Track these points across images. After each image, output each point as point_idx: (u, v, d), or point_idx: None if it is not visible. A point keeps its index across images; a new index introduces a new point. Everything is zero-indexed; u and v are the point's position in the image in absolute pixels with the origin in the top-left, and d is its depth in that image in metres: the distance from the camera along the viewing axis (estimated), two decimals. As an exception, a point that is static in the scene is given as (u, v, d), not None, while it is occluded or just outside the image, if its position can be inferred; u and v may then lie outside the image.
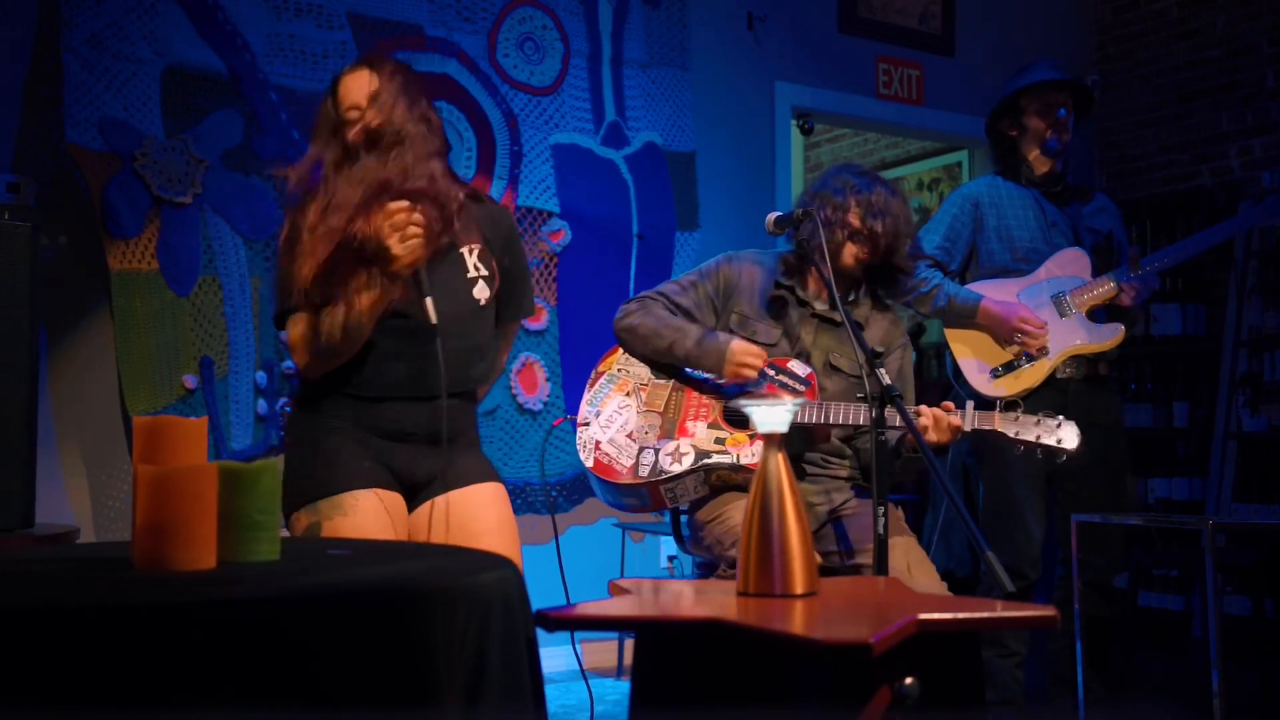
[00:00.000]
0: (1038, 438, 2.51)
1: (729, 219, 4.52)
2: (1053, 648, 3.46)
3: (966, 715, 1.54)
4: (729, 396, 2.68)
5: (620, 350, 2.79)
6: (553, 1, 4.22)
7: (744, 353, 2.61)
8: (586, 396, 2.73)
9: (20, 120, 3.36)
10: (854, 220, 2.65)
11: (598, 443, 2.64)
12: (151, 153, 3.47)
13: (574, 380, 4.18)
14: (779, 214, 2.66)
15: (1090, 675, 3.24)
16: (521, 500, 4.08)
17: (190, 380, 3.50)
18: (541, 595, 1.69)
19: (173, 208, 3.50)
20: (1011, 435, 2.53)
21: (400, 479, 2.20)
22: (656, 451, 2.60)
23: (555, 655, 4.09)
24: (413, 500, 2.23)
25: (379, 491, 2.14)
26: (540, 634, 1.46)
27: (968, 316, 3.31)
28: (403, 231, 2.03)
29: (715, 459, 2.57)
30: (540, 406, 4.12)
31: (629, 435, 2.65)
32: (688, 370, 2.73)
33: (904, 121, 5.11)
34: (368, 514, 2.09)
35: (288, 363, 3.62)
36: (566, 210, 4.19)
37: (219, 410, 3.54)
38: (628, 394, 2.71)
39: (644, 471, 2.58)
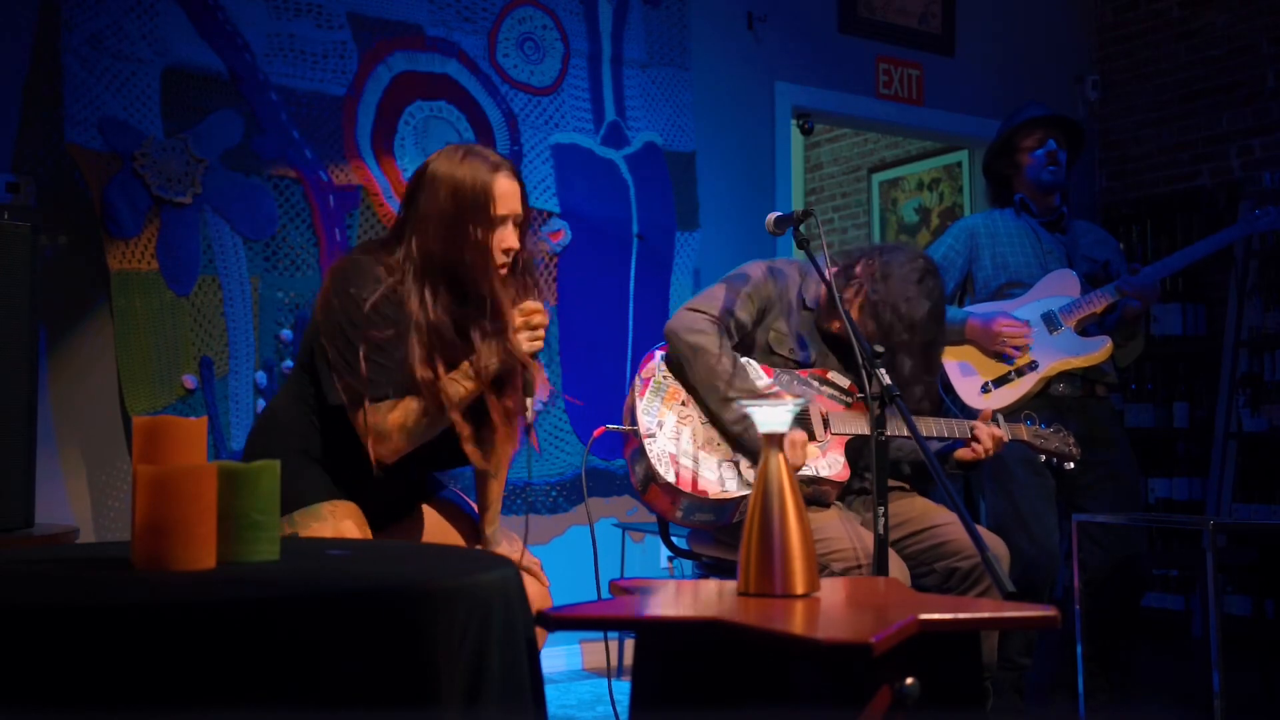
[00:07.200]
0: (1055, 446, 2.83)
1: (729, 219, 4.51)
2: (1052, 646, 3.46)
3: (966, 715, 1.54)
4: None
5: (657, 356, 2.63)
6: (553, 1, 4.21)
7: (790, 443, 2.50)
8: (641, 406, 2.52)
9: (20, 120, 3.36)
10: (895, 322, 2.57)
11: (672, 455, 2.47)
12: (151, 153, 3.46)
13: (573, 381, 4.18)
14: (779, 214, 2.66)
15: (1090, 675, 3.24)
16: (521, 500, 4.08)
17: (190, 380, 3.50)
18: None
19: (172, 208, 3.49)
20: (1037, 445, 2.84)
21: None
22: (736, 465, 2.50)
23: (555, 655, 4.09)
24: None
25: (348, 504, 2.16)
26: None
27: (956, 334, 3.34)
28: (534, 331, 2.13)
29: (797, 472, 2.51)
30: (540, 406, 4.11)
31: (701, 448, 2.50)
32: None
33: (904, 121, 5.10)
34: (346, 519, 2.11)
35: (287, 363, 3.62)
36: (566, 210, 4.19)
37: (219, 410, 3.54)
38: (683, 403, 2.55)
39: (731, 486, 2.47)
